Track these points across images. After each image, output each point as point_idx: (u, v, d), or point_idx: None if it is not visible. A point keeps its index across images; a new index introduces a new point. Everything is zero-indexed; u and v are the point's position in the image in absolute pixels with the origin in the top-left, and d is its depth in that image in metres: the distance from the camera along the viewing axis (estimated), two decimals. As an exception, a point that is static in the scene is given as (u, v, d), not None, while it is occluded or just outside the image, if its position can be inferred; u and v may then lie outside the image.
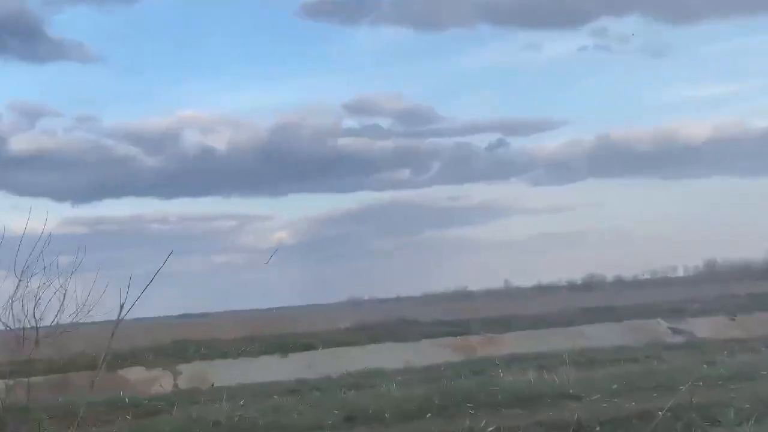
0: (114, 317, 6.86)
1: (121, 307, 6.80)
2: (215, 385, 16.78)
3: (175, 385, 17.69)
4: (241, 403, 12.77)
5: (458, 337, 22.99)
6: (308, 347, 20.98)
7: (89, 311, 9.51)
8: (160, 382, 17.43)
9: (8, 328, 8.37)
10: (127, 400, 13.62)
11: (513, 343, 22.11)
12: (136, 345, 21.33)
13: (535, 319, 25.53)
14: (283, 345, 20.84)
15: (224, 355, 19.87)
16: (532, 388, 12.07)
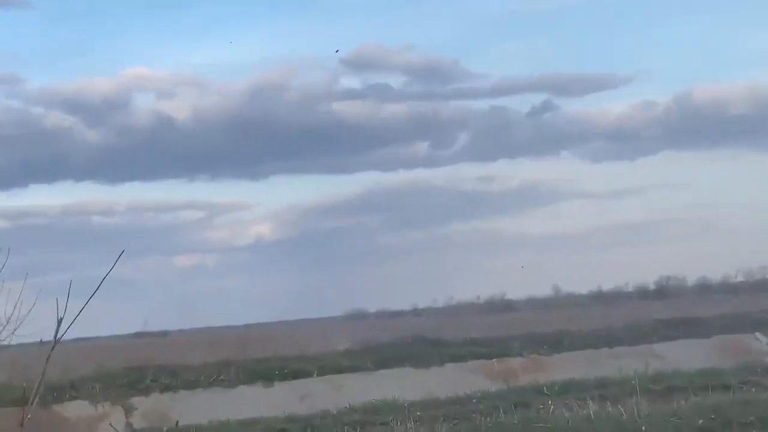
0: (48, 337, 6.80)
1: (59, 323, 6.73)
2: (180, 425, 16.81)
3: (129, 425, 17.74)
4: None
5: (494, 359, 22.97)
6: (300, 374, 21.01)
7: (15, 330, 9.47)
8: (110, 420, 17.47)
9: None
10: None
11: (566, 367, 22.03)
12: (78, 373, 21.37)
13: (594, 335, 25.47)
14: (268, 371, 20.86)
15: (191, 385, 19.92)
16: (592, 426, 12.01)
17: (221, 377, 20.42)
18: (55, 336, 6.71)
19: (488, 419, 14.10)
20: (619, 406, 13.21)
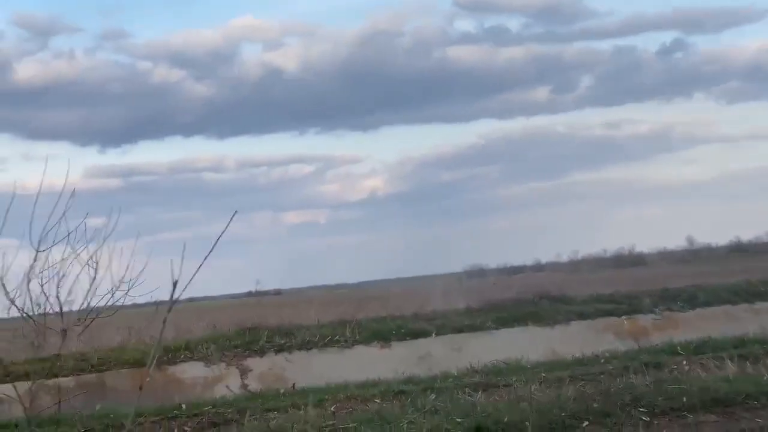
0: (161, 297, 7.00)
1: (174, 286, 6.93)
2: (297, 386, 17.18)
3: (245, 386, 18.18)
4: (332, 409, 13.01)
5: (623, 317, 22.71)
6: (418, 334, 21.13)
7: (129, 290, 9.79)
8: (226, 382, 17.94)
9: (26, 316, 8.60)
10: (183, 407, 14.07)
11: (701, 325, 21.65)
12: (192, 334, 21.95)
13: (733, 290, 24.93)
14: (384, 331, 21.06)
15: (306, 346, 20.25)
16: (730, 386, 11.80)
17: (336, 337, 20.65)
18: (171, 299, 6.91)
19: (618, 380, 13.99)
20: (761, 366, 12.93)
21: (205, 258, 7.02)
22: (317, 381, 17.25)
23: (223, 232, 7.03)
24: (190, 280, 6.99)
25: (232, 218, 7.16)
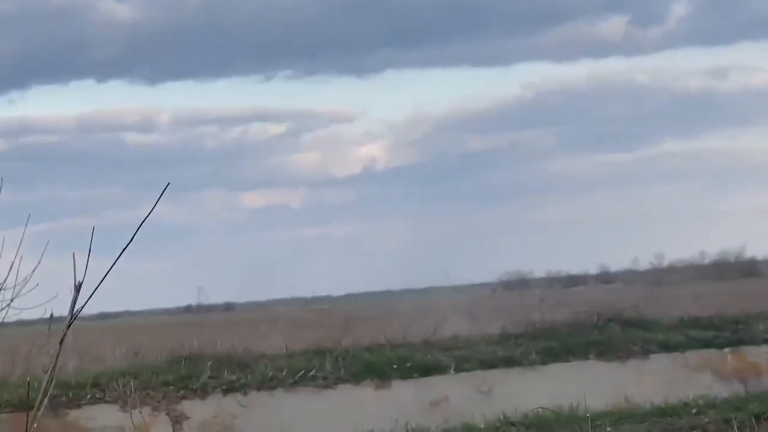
0: (61, 311, 7.03)
1: (77, 291, 6.99)
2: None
3: (177, 441, 18.25)
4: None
5: (726, 349, 22.77)
6: (429, 370, 21.19)
7: (12, 300, 9.81)
8: (150, 433, 18.02)
9: None
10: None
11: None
12: (104, 365, 21.98)
13: None
14: (380, 365, 21.11)
15: (269, 384, 20.29)
16: None
17: (312, 372, 20.76)
18: (72, 310, 6.95)
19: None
20: None
21: (123, 250, 7.06)
22: (281, 434, 17.34)
23: (149, 214, 7.06)
24: (101, 281, 7.04)
25: (163, 191, 7.21)
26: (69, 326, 6.95)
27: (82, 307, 7.02)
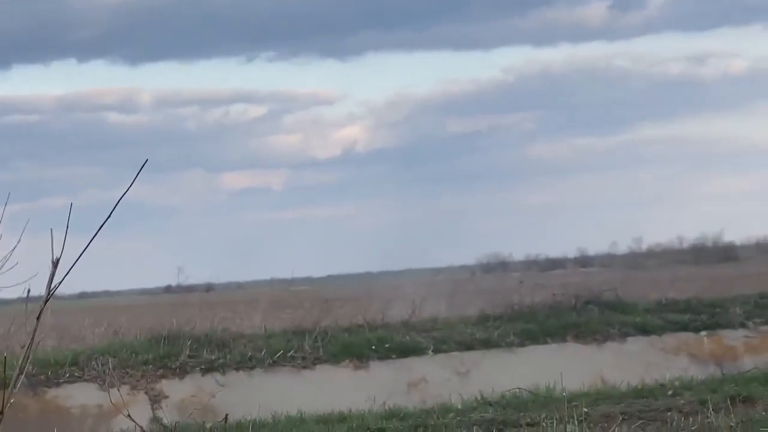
0: (38, 289, 7.04)
1: (54, 266, 7.02)
2: (231, 419, 17.32)
3: (156, 419, 18.26)
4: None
5: (702, 333, 22.86)
6: (407, 351, 21.23)
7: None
8: (128, 410, 18.01)
9: None
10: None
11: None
12: (83, 343, 21.97)
13: None
14: (359, 346, 21.15)
15: (247, 364, 20.31)
16: None
17: (291, 353, 20.79)
18: (49, 285, 6.96)
19: (692, 420, 14.13)
20: None
21: (101, 227, 7.09)
22: (261, 413, 17.33)
23: (127, 190, 7.07)
24: (79, 257, 7.07)
25: (141, 168, 7.24)
26: (46, 301, 6.98)
27: (60, 282, 7.04)
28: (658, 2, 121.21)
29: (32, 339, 7.18)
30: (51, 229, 6.93)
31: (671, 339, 22.56)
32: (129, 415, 16.15)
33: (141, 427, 15.70)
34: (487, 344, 21.75)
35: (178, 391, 19.40)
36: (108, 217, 7.04)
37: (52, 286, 7.11)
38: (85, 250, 6.97)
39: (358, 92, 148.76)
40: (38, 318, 7.23)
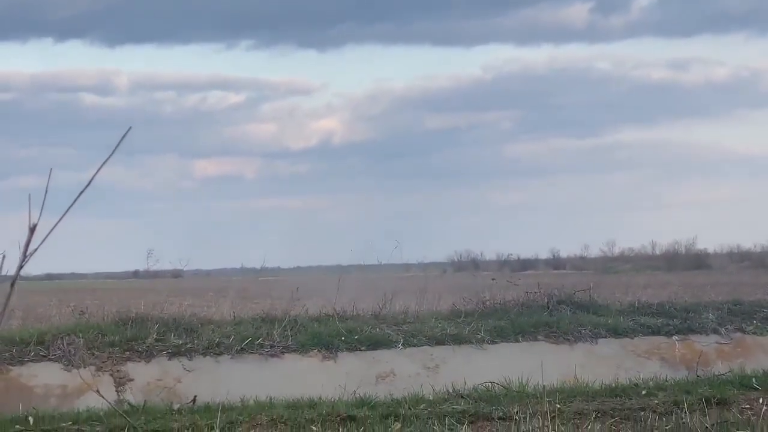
0: (9, 268, 6.95)
1: (31, 231, 6.96)
2: (198, 400, 17.25)
3: (121, 402, 18.19)
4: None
5: (674, 337, 22.90)
6: (377, 343, 21.22)
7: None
8: (96, 388, 17.95)
9: None
10: (31, 420, 14.05)
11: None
12: (49, 323, 21.86)
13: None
14: (329, 336, 21.13)
15: (215, 350, 20.29)
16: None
17: (260, 340, 20.79)
18: (25, 251, 6.87)
19: (665, 420, 14.13)
20: None
21: (73, 203, 7.01)
22: (229, 396, 17.32)
23: (103, 164, 7.01)
24: (48, 234, 6.99)
25: (124, 137, 7.19)
26: (15, 278, 6.89)
27: (35, 250, 6.96)
28: (641, 6, 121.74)
29: (5, 308, 7.10)
30: (29, 195, 6.87)
31: (643, 342, 22.62)
32: (98, 391, 16.14)
33: (110, 403, 15.64)
34: (458, 340, 21.75)
35: (143, 374, 19.37)
36: (80, 194, 6.98)
37: (28, 252, 7.05)
38: (53, 228, 6.91)
39: (337, 84, 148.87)
40: (8, 297, 7.17)
